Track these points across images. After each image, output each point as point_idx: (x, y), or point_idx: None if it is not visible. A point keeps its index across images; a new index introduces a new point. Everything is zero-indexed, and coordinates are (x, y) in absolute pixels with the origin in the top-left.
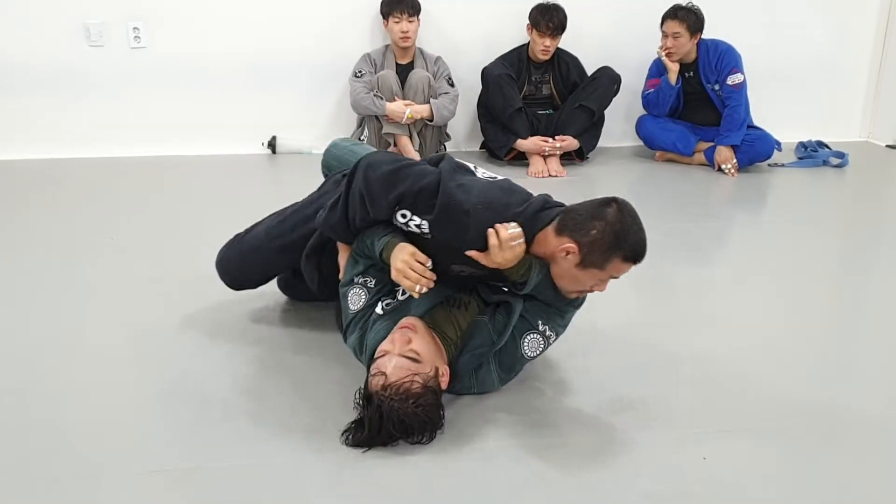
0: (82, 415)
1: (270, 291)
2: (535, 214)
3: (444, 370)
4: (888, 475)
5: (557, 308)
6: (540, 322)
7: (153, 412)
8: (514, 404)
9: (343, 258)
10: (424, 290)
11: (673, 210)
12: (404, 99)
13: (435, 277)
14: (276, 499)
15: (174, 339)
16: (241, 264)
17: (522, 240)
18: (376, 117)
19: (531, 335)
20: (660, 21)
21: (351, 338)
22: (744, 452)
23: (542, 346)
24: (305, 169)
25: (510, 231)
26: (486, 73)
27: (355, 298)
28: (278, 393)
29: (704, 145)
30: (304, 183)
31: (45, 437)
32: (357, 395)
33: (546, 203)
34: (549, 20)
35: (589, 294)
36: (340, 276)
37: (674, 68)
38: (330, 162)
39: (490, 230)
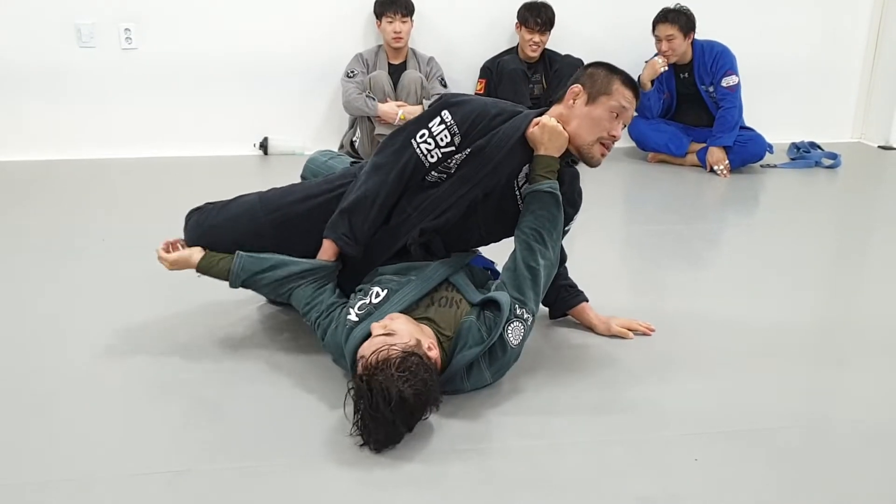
0: (72, 416)
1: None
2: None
3: (431, 343)
4: (879, 477)
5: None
6: (517, 307)
7: (144, 414)
8: (503, 406)
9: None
10: None
11: (665, 211)
12: (396, 100)
13: None
14: (269, 502)
15: (165, 340)
16: (223, 229)
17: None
18: (368, 118)
19: (513, 324)
20: (651, 26)
21: (322, 325)
22: (735, 454)
23: (522, 330)
24: (297, 170)
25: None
26: (501, 66)
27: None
28: (269, 395)
29: (697, 146)
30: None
31: (34, 440)
32: (350, 394)
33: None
34: (537, 16)
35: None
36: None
37: (646, 77)
38: (307, 176)
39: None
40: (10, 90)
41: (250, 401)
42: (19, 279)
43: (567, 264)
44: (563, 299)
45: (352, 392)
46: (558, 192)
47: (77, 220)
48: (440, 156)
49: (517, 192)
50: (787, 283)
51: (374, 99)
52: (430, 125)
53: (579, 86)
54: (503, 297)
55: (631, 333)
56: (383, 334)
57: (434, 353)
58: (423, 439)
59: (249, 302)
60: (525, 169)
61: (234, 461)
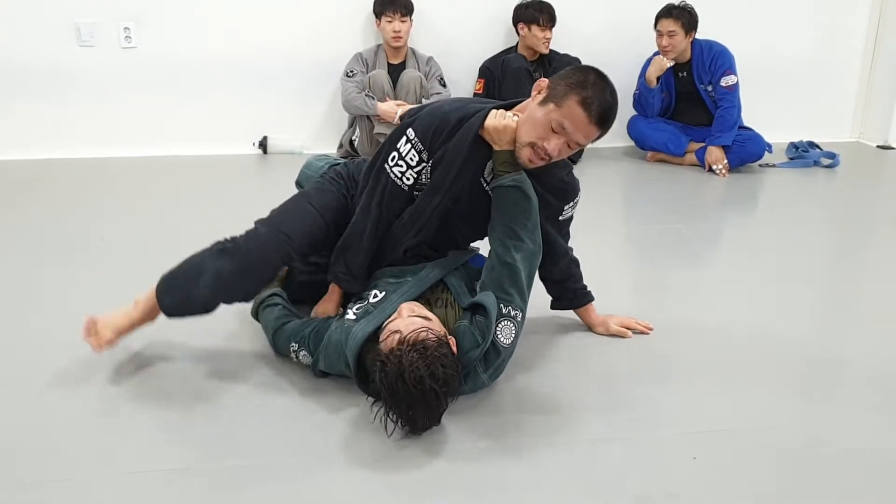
0: (69, 415)
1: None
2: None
3: (452, 340)
4: (879, 477)
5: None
6: (503, 306)
7: (143, 412)
8: (502, 405)
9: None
10: None
11: (664, 211)
12: (396, 99)
13: None
14: (267, 500)
15: (164, 339)
16: (250, 266)
17: (511, 114)
18: (368, 117)
19: (502, 323)
20: (653, 21)
21: (319, 332)
22: (734, 453)
23: (513, 330)
24: (297, 169)
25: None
26: (505, 64)
27: None
28: (269, 394)
29: (696, 146)
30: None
31: (30, 438)
32: (376, 375)
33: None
34: (545, 12)
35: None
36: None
37: (653, 73)
38: (302, 181)
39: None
40: (10, 89)
41: (250, 399)
42: (19, 278)
43: None
44: (569, 299)
45: (384, 368)
46: (521, 183)
47: (76, 219)
48: (415, 176)
49: (486, 188)
50: (786, 282)
51: (373, 98)
52: (398, 146)
53: (547, 82)
54: (488, 299)
55: (629, 332)
56: (421, 316)
57: (454, 349)
58: (422, 438)
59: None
60: (489, 165)
61: (234, 459)
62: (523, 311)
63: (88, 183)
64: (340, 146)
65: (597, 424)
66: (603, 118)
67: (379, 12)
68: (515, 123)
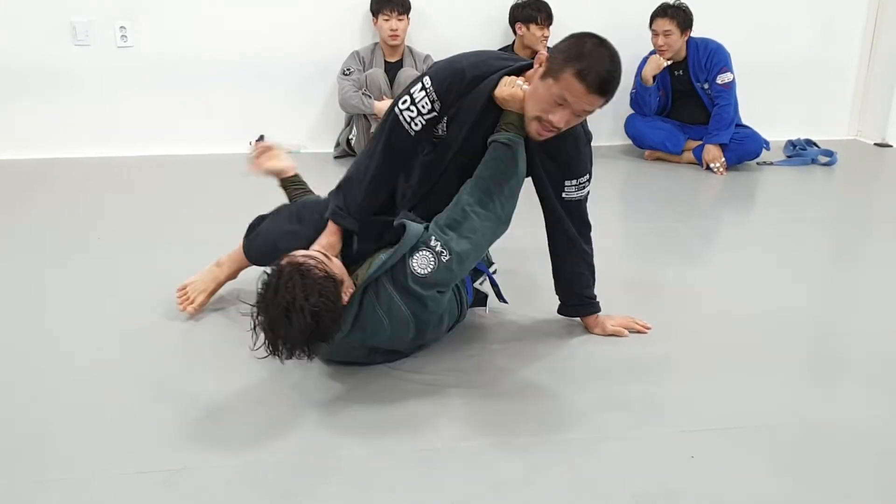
0: (67, 415)
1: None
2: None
3: (348, 286)
4: (877, 474)
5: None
6: (433, 238)
7: (139, 413)
8: (498, 402)
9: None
10: None
11: (662, 209)
12: (393, 97)
13: None
14: (263, 500)
15: (160, 338)
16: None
17: (522, 81)
18: (365, 116)
19: (421, 251)
20: (648, 20)
21: None
22: (732, 451)
23: (432, 264)
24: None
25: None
26: None
27: None
28: (266, 393)
29: (693, 144)
30: None
31: (29, 439)
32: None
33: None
34: (543, 11)
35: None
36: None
37: (649, 71)
38: None
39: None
40: (3, 88)
41: (247, 398)
42: (14, 277)
43: None
44: (576, 306)
45: (265, 280)
46: (515, 145)
47: (72, 219)
48: (424, 123)
49: None
50: (784, 280)
51: (370, 97)
52: (412, 92)
53: (546, 55)
54: (413, 225)
55: (626, 332)
56: (321, 252)
57: (346, 297)
58: (419, 436)
59: (247, 299)
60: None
61: (231, 458)
62: (452, 256)
63: (84, 182)
64: (338, 145)
65: (594, 423)
66: (603, 86)
67: (376, 10)
68: (524, 93)
